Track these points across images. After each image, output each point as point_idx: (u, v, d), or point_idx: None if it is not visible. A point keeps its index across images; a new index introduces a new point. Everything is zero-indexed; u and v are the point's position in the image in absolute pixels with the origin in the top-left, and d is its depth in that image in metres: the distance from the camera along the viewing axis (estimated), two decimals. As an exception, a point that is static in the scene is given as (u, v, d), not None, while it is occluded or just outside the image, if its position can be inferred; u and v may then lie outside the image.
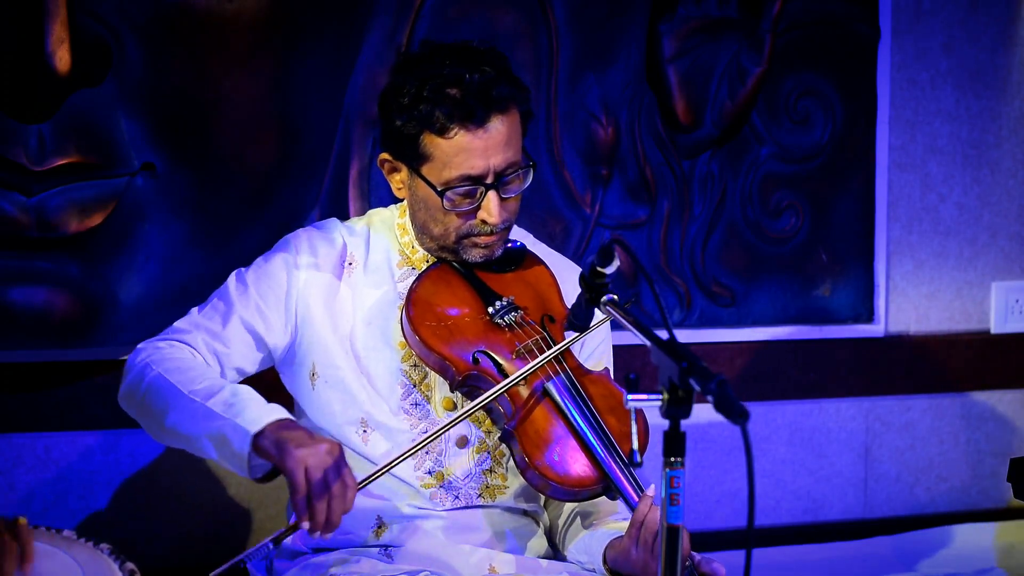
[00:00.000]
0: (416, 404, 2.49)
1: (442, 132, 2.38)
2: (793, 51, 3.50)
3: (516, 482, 2.51)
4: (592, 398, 2.42)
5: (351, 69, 3.16)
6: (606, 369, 2.53)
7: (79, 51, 2.89)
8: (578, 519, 2.56)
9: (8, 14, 2.86)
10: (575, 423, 2.38)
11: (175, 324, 2.51)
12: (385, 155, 2.50)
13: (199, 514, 3.14)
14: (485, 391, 2.40)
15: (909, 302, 3.69)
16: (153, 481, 3.10)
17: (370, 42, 3.16)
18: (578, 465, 2.36)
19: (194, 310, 2.53)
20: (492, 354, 2.43)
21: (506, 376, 2.40)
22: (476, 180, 2.41)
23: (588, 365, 2.53)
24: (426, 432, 2.45)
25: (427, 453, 2.46)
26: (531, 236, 2.68)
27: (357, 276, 2.54)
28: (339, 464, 2.18)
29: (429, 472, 2.48)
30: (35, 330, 2.99)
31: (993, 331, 3.76)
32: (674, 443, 1.83)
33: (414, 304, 2.45)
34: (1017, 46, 3.71)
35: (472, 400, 2.43)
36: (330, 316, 2.51)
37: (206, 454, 2.30)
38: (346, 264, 2.55)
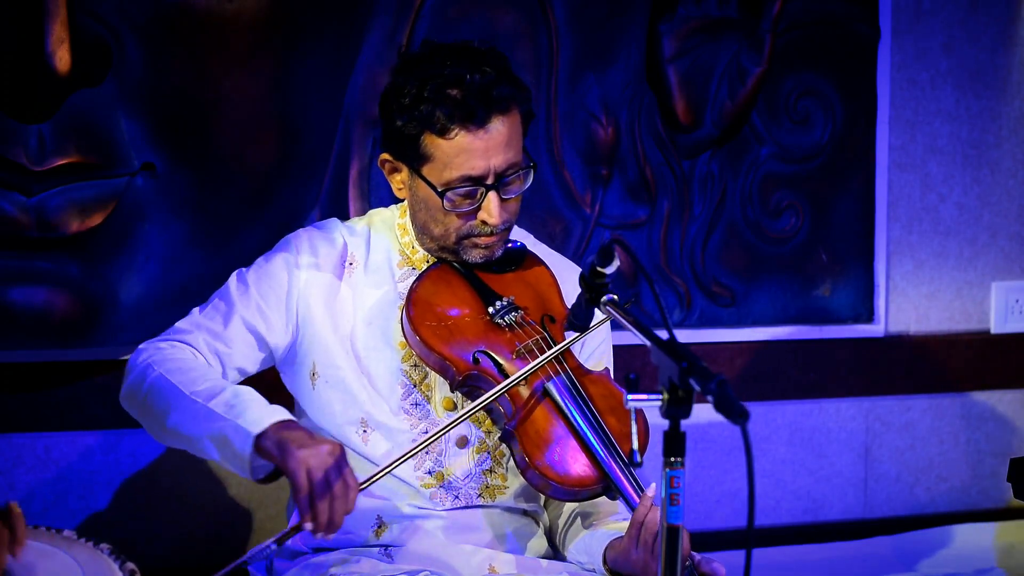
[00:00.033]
0: (416, 404, 2.50)
1: (443, 133, 2.39)
2: (793, 51, 3.50)
3: (516, 482, 2.51)
4: (592, 398, 2.42)
5: (351, 69, 3.16)
6: (606, 369, 2.53)
7: (79, 51, 2.89)
8: (578, 519, 2.56)
9: (8, 14, 2.86)
10: (575, 423, 2.38)
11: (176, 324, 2.51)
12: (386, 155, 2.50)
13: (199, 514, 3.14)
14: (485, 391, 2.40)
15: (909, 302, 3.69)
16: (153, 481, 3.10)
17: (370, 42, 3.16)
18: (578, 465, 2.36)
19: (195, 310, 2.53)
20: (492, 354, 2.43)
21: (506, 376, 2.40)
22: (477, 181, 2.41)
23: (588, 365, 2.53)
24: (426, 432, 2.46)
25: (427, 453, 2.46)
26: (531, 236, 2.68)
27: (358, 276, 2.54)
28: (341, 464, 2.18)
29: (429, 472, 2.48)
30: (35, 330, 2.99)
31: (993, 331, 3.76)
32: (674, 443, 1.83)
33: (414, 304, 2.45)
34: (1017, 46, 3.71)
35: (472, 400, 2.43)
36: (331, 316, 2.51)
37: (208, 455, 2.30)
38: (347, 264, 2.55)
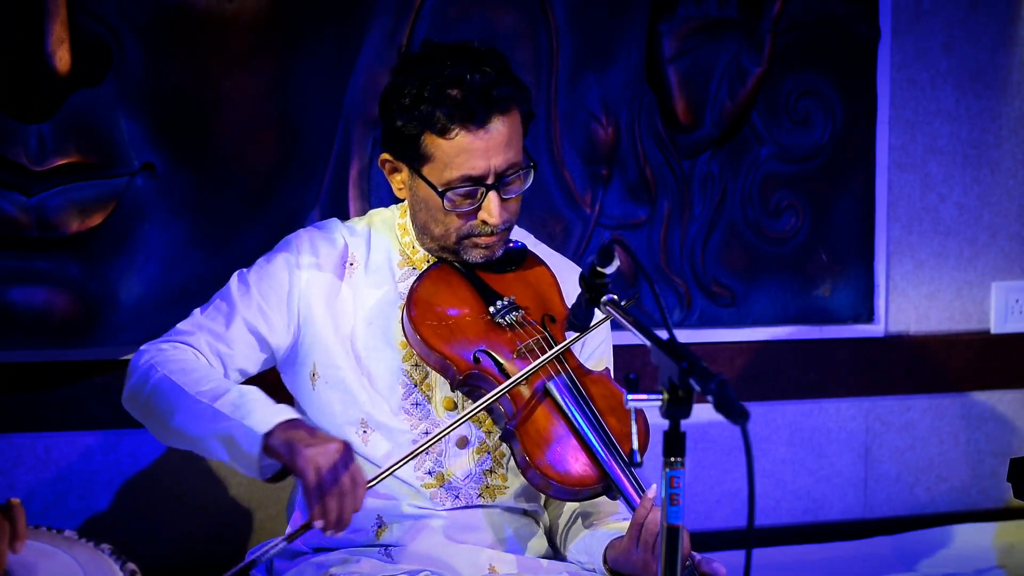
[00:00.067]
0: (417, 404, 2.50)
1: (443, 133, 2.39)
2: (793, 51, 3.50)
3: (516, 482, 2.51)
4: (593, 398, 2.42)
5: (351, 69, 3.16)
6: (607, 369, 2.53)
7: (79, 51, 2.89)
8: (579, 519, 2.56)
9: (8, 14, 2.86)
10: (576, 423, 2.38)
11: (178, 326, 2.51)
12: (386, 155, 2.50)
13: (200, 514, 3.14)
14: (486, 390, 2.40)
15: (909, 302, 3.69)
16: (154, 481, 3.10)
17: (370, 42, 3.16)
18: (579, 465, 2.37)
19: (196, 311, 2.53)
20: (493, 354, 2.43)
21: (507, 375, 2.40)
22: (477, 181, 2.41)
23: (589, 365, 2.53)
24: (427, 432, 2.46)
25: (427, 453, 2.46)
26: (532, 236, 2.68)
27: (358, 276, 2.54)
28: (349, 462, 2.19)
29: (429, 472, 2.48)
30: (35, 330, 2.99)
31: (993, 331, 3.76)
32: (674, 443, 1.83)
33: (415, 304, 2.46)
34: (1017, 46, 3.71)
35: (473, 400, 2.44)
36: (331, 316, 2.51)
37: (214, 455, 2.30)
38: (347, 264, 2.55)
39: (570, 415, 2.39)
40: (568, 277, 2.57)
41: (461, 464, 2.49)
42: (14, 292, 2.97)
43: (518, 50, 3.25)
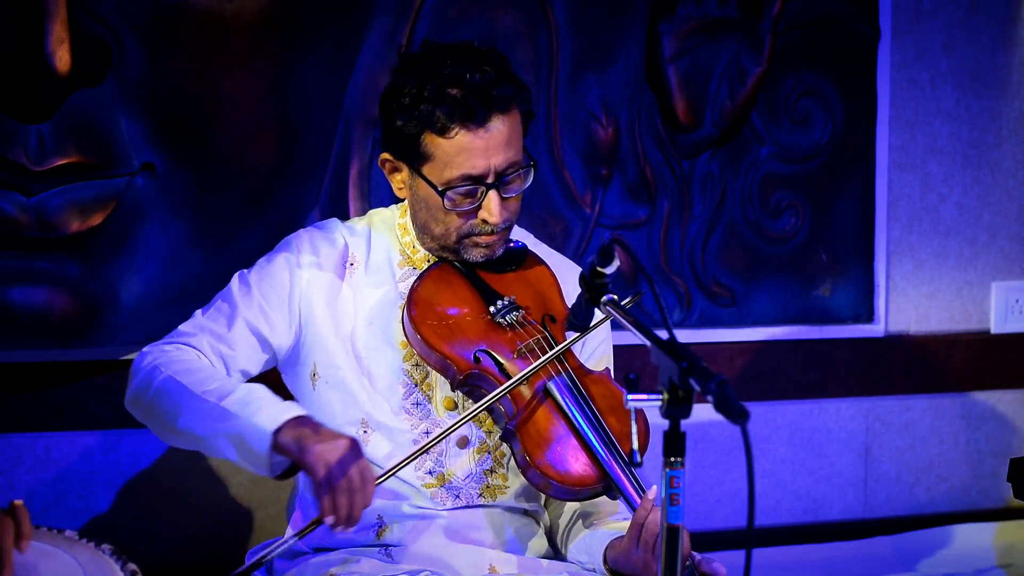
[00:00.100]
0: (417, 404, 2.50)
1: (443, 132, 2.39)
2: (793, 51, 3.50)
3: (517, 482, 2.51)
4: (593, 398, 2.42)
5: (351, 69, 3.16)
6: (607, 369, 2.53)
7: (79, 51, 2.89)
8: (579, 520, 2.56)
9: (8, 14, 2.86)
10: (576, 423, 2.38)
11: (179, 327, 2.50)
12: (386, 155, 2.50)
13: (200, 514, 3.14)
14: (486, 390, 2.41)
15: (909, 302, 3.69)
16: (154, 481, 3.10)
17: (370, 42, 3.16)
18: (579, 464, 2.37)
19: (198, 313, 2.53)
20: (493, 353, 2.43)
21: (508, 375, 2.40)
22: (477, 180, 2.41)
23: (589, 365, 2.53)
24: (427, 432, 2.46)
25: (428, 453, 2.46)
26: (532, 236, 2.68)
27: (358, 276, 2.55)
28: (358, 459, 2.19)
29: (430, 472, 2.48)
30: (35, 330, 2.98)
31: (993, 331, 3.76)
32: (674, 443, 1.83)
33: (415, 303, 2.46)
34: (1017, 46, 3.71)
35: (473, 399, 2.44)
36: (332, 316, 2.51)
37: (222, 454, 2.29)
38: (347, 264, 2.55)
39: (570, 415, 2.39)
40: (568, 277, 2.57)
41: (462, 464, 2.49)
42: (14, 292, 2.97)
43: (518, 50, 3.25)
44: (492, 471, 2.51)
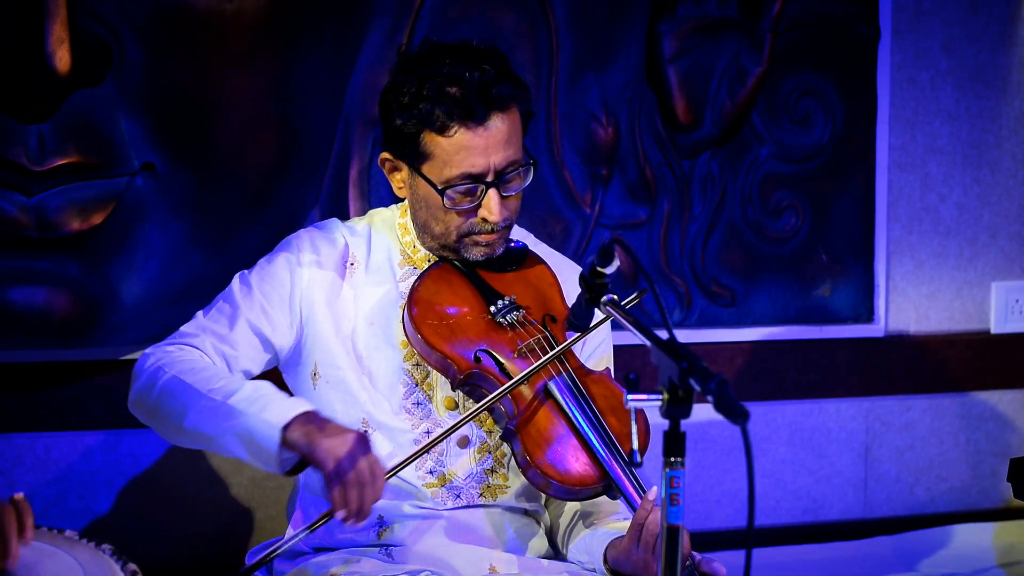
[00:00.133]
0: (418, 403, 2.50)
1: (442, 131, 2.39)
2: (793, 51, 3.50)
3: (517, 482, 2.51)
4: (594, 398, 2.42)
5: (351, 69, 3.16)
6: (607, 369, 2.53)
7: (79, 51, 2.89)
8: (580, 520, 2.56)
9: (8, 14, 2.86)
10: (576, 423, 2.38)
11: (181, 328, 2.50)
12: (386, 154, 2.50)
13: (200, 514, 3.14)
14: (487, 390, 2.41)
15: (909, 302, 3.69)
16: (154, 481, 3.10)
17: (370, 42, 3.16)
18: (579, 464, 2.37)
19: (199, 314, 2.52)
20: (494, 353, 2.44)
21: (508, 375, 2.41)
22: (477, 178, 2.41)
23: (589, 365, 2.53)
24: (428, 431, 2.47)
25: (428, 453, 2.46)
26: (532, 236, 2.68)
27: (359, 276, 2.55)
28: (367, 453, 2.19)
29: (431, 472, 2.48)
30: (35, 330, 2.99)
31: (993, 331, 3.76)
32: (674, 443, 1.83)
33: (416, 303, 2.46)
34: (1017, 46, 3.71)
35: (473, 399, 2.44)
36: (332, 316, 2.51)
37: (230, 452, 2.29)
38: (348, 264, 2.56)
39: (571, 415, 2.39)
40: (569, 277, 2.57)
41: (462, 464, 2.49)
42: (14, 292, 2.97)
43: (518, 50, 3.25)
44: (493, 471, 2.51)
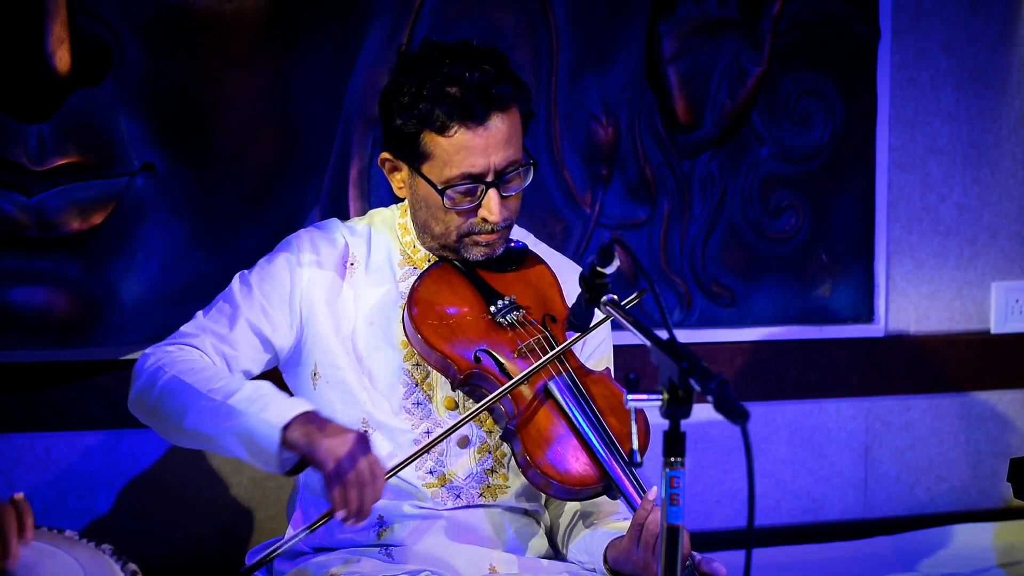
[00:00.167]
0: (418, 403, 2.50)
1: (442, 130, 2.39)
2: (793, 51, 3.50)
3: (517, 482, 2.51)
4: (594, 398, 2.42)
5: (351, 69, 3.16)
6: (607, 369, 2.53)
7: (79, 51, 2.89)
8: (580, 520, 2.56)
9: (8, 14, 2.86)
10: (577, 422, 2.38)
11: (181, 328, 2.50)
12: (386, 154, 2.50)
13: (200, 514, 3.14)
14: (487, 390, 2.41)
15: (909, 302, 3.69)
16: (154, 481, 3.10)
17: (370, 42, 3.16)
18: (579, 464, 2.37)
19: (199, 314, 2.52)
20: (494, 353, 2.44)
21: (508, 375, 2.41)
22: (476, 178, 2.41)
23: (589, 365, 2.53)
24: (428, 431, 2.47)
25: (428, 453, 2.46)
26: (532, 236, 2.68)
27: (359, 276, 2.55)
28: (367, 452, 2.19)
29: (431, 472, 2.48)
30: (35, 330, 2.99)
31: (993, 331, 3.76)
32: (674, 443, 1.83)
33: (416, 303, 2.46)
34: (1017, 46, 3.71)
35: (473, 399, 2.44)
36: (333, 316, 2.51)
37: (230, 452, 2.29)
38: (348, 264, 2.56)
39: (571, 415, 2.39)
40: (569, 277, 2.57)
41: (463, 464, 2.49)
42: (14, 292, 2.97)
43: (518, 50, 3.25)
44: (493, 471, 2.51)
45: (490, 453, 2.51)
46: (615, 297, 2.20)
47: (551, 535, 2.62)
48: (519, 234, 2.62)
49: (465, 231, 2.46)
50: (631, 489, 2.33)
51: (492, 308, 2.48)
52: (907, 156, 3.65)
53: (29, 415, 3.02)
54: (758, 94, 3.47)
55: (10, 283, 2.96)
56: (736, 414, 1.74)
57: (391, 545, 2.47)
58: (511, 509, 2.54)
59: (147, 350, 2.47)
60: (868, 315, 3.65)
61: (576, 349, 2.54)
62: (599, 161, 3.38)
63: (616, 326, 2.39)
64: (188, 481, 3.12)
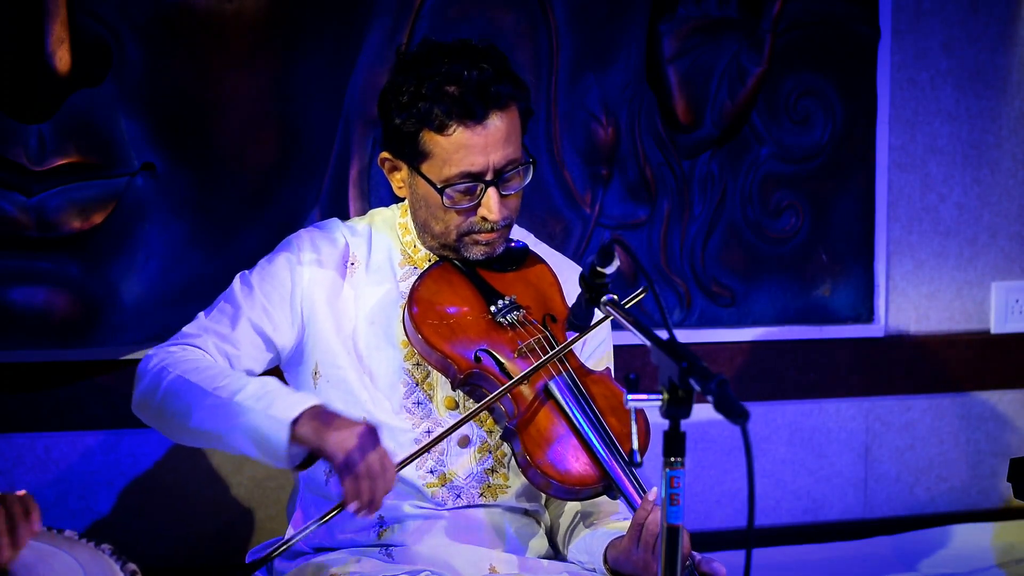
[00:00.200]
0: (418, 403, 2.50)
1: (441, 129, 2.39)
2: (793, 51, 3.50)
3: (518, 482, 2.51)
4: (594, 398, 2.42)
5: (351, 69, 3.16)
6: (607, 369, 2.53)
7: (79, 51, 2.89)
8: (581, 520, 2.56)
9: (8, 14, 2.86)
10: (577, 422, 2.38)
11: (183, 329, 2.50)
12: (385, 154, 2.50)
13: (200, 514, 3.14)
14: (487, 389, 2.41)
15: (909, 302, 3.69)
16: (154, 481, 3.10)
17: (370, 42, 3.16)
18: (579, 464, 2.37)
19: (201, 314, 2.52)
20: (494, 353, 2.44)
21: (508, 375, 2.41)
22: (476, 177, 2.41)
23: (589, 365, 2.53)
24: (429, 431, 2.47)
25: (429, 453, 2.46)
26: (532, 236, 2.68)
27: (359, 276, 2.55)
28: (376, 444, 2.19)
29: (431, 472, 2.48)
30: (35, 330, 2.99)
31: (993, 331, 3.76)
32: (674, 443, 1.83)
33: (416, 302, 2.46)
34: (1017, 46, 3.71)
35: (474, 399, 2.44)
36: (333, 315, 2.51)
37: (238, 449, 2.29)
38: (348, 264, 2.56)
39: (571, 415, 2.39)
40: (569, 277, 2.57)
41: (463, 463, 2.49)
42: (14, 292, 2.97)
43: (518, 50, 3.25)
44: (493, 471, 2.51)
45: (490, 453, 2.51)
46: (615, 297, 2.20)
47: (551, 535, 2.62)
48: (519, 234, 2.62)
49: (465, 230, 2.46)
50: (631, 489, 2.33)
51: (492, 308, 2.48)
52: (907, 156, 3.65)
53: (29, 415, 3.02)
54: (758, 94, 3.47)
55: (10, 283, 2.96)
56: (736, 414, 1.74)
57: (391, 545, 2.47)
58: (511, 509, 2.54)
59: (149, 351, 2.47)
60: (868, 315, 3.65)
61: (576, 349, 2.54)
62: (599, 161, 3.38)
63: (616, 326, 2.39)
64: (188, 481, 3.12)
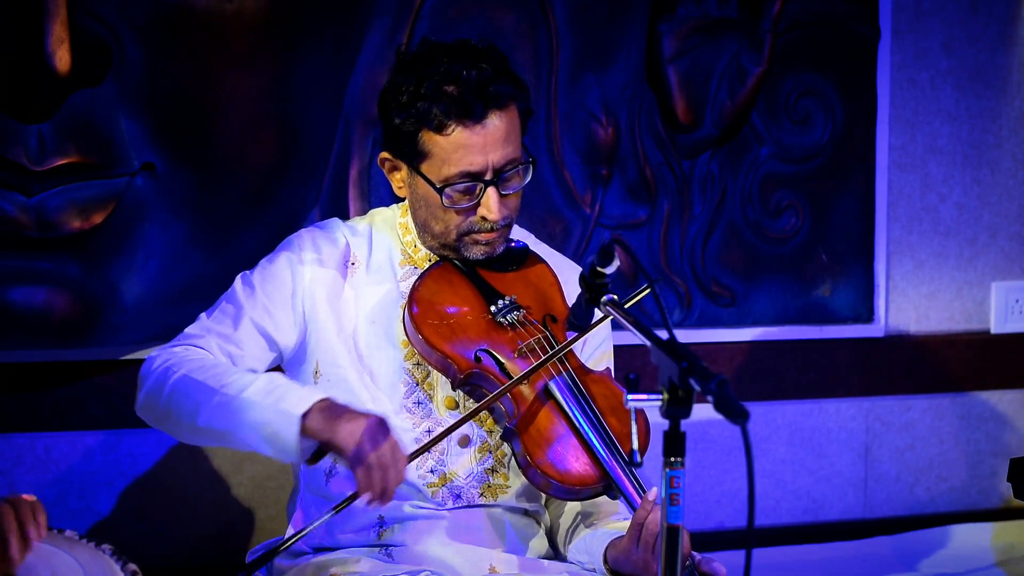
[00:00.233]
0: (419, 403, 2.50)
1: (440, 129, 2.39)
2: (793, 51, 3.50)
3: (518, 482, 2.51)
4: (594, 398, 2.42)
5: (351, 69, 3.16)
6: (607, 369, 2.53)
7: (79, 51, 2.89)
8: (581, 520, 2.56)
9: (8, 14, 2.86)
10: (577, 422, 2.38)
11: (186, 330, 2.50)
12: (385, 154, 2.50)
13: (201, 514, 3.14)
14: (487, 389, 2.41)
15: (909, 302, 3.69)
16: (154, 481, 3.10)
17: (370, 42, 3.16)
18: (579, 464, 2.37)
19: (202, 315, 2.52)
20: (494, 353, 2.44)
21: (508, 375, 2.41)
22: (475, 177, 2.41)
23: (589, 365, 2.53)
24: (429, 431, 2.47)
25: (429, 453, 2.46)
26: (532, 236, 2.68)
27: (360, 275, 2.55)
28: (387, 434, 2.20)
29: (432, 471, 2.48)
30: (35, 330, 2.98)
31: (993, 331, 3.76)
32: (674, 443, 1.84)
33: (417, 302, 2.46)
34: (1017, 46, 3.71)
35: (474, 399, 2.44)
36: (334, 315, 2.51)
37: (248, 446, 2.29)
38: (349, 263, 2.56)
39: (571, 415, 2.39)
40: (569, 277, 2.57)
41: (463, 463, 2.49)
42: (14, 292, 2.97)
43: (518, 50, 3.25)
44: (493, 471, 2.51)
45: (491, 453, 2.51)
46: (615, 297, 2.20)
47: (551, 535, 2.62)
48: (520, 234, 2.62)
49: (465, 230, 2.46)
50: (631, 489, 2.33)
51: (492, 308, 2.48)
52: (907, 156, 3.65)
53: (29, 415, 3.02)
54: (758, 94, 3.47)
55: (10, 283, 2.96)
56: (736, 414, 1.74)
57: (391, 545, 2.47)
58: (512, 509, 2.54)
59: (152, 353, 2.46)
60: (868, 315, 3.65)
61: (576, 349, 2.54)
62: (599, 161, 3.38)
63: (616, 326, 2.39)
64: (188, 481, 3.12)
